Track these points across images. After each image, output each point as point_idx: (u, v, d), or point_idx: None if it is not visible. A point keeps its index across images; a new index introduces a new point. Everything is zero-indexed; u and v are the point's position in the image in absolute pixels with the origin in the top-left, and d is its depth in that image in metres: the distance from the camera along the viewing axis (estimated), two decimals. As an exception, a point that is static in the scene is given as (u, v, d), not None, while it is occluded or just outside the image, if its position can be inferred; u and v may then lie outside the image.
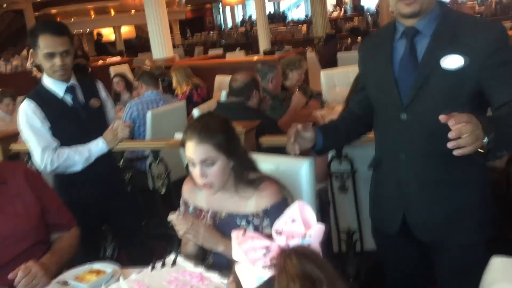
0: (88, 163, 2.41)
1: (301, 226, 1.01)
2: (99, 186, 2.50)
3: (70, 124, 2.40)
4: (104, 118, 2.54)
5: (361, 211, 2.62)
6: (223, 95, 4.67)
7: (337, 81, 5.12)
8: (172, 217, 1.72)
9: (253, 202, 1.74)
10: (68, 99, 2.39)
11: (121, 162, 2.97)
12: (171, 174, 3.02)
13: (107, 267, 1.79)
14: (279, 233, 1.00)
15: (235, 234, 0.99)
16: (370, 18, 17.21)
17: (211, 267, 1.72)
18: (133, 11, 15.71)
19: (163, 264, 1.68)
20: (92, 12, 16.02)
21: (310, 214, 1.02)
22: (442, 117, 1.29)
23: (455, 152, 1.28)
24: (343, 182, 2.55)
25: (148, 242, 3.23)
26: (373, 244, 2.73)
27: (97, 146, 2.42)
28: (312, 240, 0.97)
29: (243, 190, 1.76)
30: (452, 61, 1.54)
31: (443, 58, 1.55)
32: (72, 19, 16.34)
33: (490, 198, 1.70)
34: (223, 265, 1.74)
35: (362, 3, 22.80)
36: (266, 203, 1.71)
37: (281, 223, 1.01)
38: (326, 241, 2.68)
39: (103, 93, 2.57)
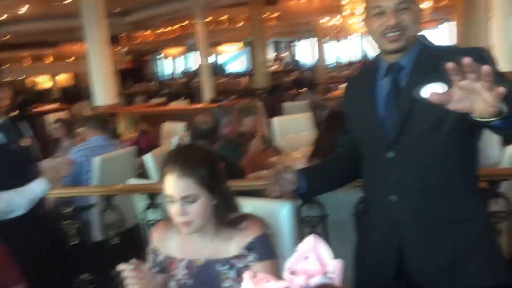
0: (31, 204, 2.18)
1: (315, 263, 0.91)
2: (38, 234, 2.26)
3: (2, 163, 2.21)
4: (34, 157, 2.40)
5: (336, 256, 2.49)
6: (174, 141, 4.51)
7: (288, 128, 5.11)
8: (123, 268, 1.47)
9: (234, 244, 1.58)
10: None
11: (68, 210, 2.70)
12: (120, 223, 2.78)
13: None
14: (293, 272, 0.90)
15: (248, 275, 0.89)
16: (308, 72, 17.82)
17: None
18: (72, 58, 15.33)
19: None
20: (27, 60, 15.47)
21: (325, 250, 0.92)
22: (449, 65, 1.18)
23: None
24: (313, 227, 2.43)
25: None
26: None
27: (40, 186, 2.21)
28: (336, 277, 0.88)
29: (223, 232, 1.59)
30: (433, 90, 1.45)
31: (424, 88, 1.48)
32: (7, 65, 15.72)
33: (494, 234, 1.64)
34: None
35: (297, 57, 23.67)
36: (249, 237, 1.56)
37: (292, 262, 0.90)
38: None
39: (30, 132, 2.45)
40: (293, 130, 5.12)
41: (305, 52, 25.15)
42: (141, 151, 4.72)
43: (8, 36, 12.47)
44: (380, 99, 1.62)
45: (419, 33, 1.61)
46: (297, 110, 7.53)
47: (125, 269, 1.45)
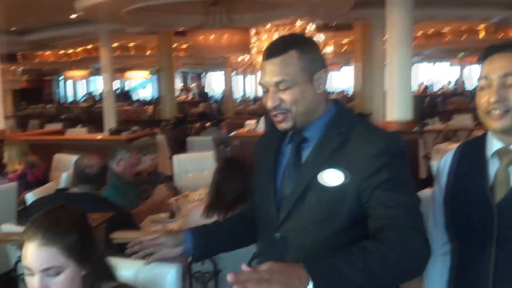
0: None
1: None
2: None
3: None
4: None
5: None
6: (63, 178, 4.17)
7: (190, 167, 4.96)
8: None
9: None
10: None
11: None
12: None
13: None
14: None
15: None
16: (215, 104, 17.85)
17: None
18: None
19: None
20: None
21: None
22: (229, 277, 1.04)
23: None
24: (204, 284, 2.29)
25: None
26: None
27: None
28: None
29: None
30: (331, 177, 1.37)
31: (321, 173, 1.38)
32: None
33: None
34: None
35: (206, 89, 23.76)
36: None
37: None
38: None
39: None
40: (194, 168, 4.97)
41: (213, 83, 25.35)
42: (28, 186, 4.32)
43: None
44: (281, 168, 1.51)
45: (331, 99, 1.50)
46: (201, 145, 7.44)
47: None
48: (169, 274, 1.64)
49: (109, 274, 1.47)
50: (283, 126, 1.43)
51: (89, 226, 1.43)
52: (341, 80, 22.40)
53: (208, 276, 2.29)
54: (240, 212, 1.81)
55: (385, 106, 6.44)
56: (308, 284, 1.11)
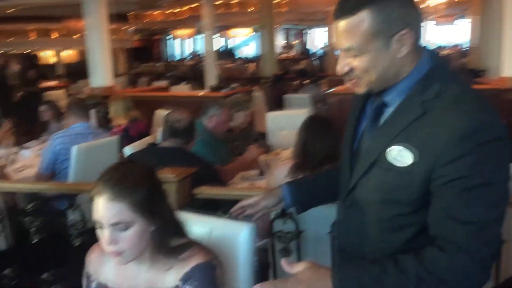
0: None
1: None
2: None
3: None
4: None
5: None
6: (160, 132, 4.31)
7: (284, 124, 4.89)
8: None
9: (172, 275, 1.39)
10: None
11: (30, 206, 2.53)
12: (89, 222, 2.60)
13: None
14: None
15: None
16: (317, 61, 17.48)
17: None
18: (77, 35, 15.13)
19: None
20: (33, 34, 15.26)
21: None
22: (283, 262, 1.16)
23: None
24: (287, 243, 2.24)
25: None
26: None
27: None
28: None
29: (162, 261, 1.40)
30: (400, 155, 1.20)
31: (391, 148, 1.21)
32: (12, 38, 15.54)
33: None
34: None
35: (308, 46, 23.33)
36: (187, 267, 1.37)
37: None
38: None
39: None
40: (289, 126, 4.88)
41: (316, 40, 24.80)
42: (130, 140, 4.54)
43: (12, 10, 12.26)
44: (361, 131, 1.38)
45: (425, 54, 1.25)
46: (299, 103, 7.31)
47: None
48: (243, 232, 1.60)
49: (179, 230, 1.46)
50: (357, 90, 1.29)
51: (158, 181, 1.41)
52: (454, 33, 20.74)
53: (290, 236, 2.23)
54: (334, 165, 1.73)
55: (501, 61, 5.85)
56: None
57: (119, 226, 1.30)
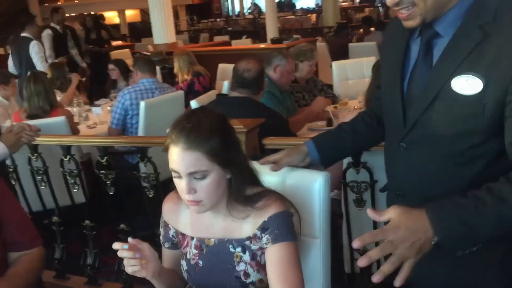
0: None
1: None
2: None
3: None
4: None
5: (379, 228, 2.24)
6: (225, 86, 4.29)
7: (350, 74, 4.74)
8: (118, 247, 1.30)
9: (249, 224, 1.37)
10: None
11: (104, 159, 2.60)
12: (161, 174, 2.64)
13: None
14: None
15: None
16: (381, 9, 16.70)
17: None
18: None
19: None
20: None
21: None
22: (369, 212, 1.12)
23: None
24: (360, 194, 2.17)
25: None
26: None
27: None
28: None
29: (238, 210, 1.38)
30: (467, 84, 1.12)
31: (456, 78, 1.13)
32: (76, 1, 15.95)
33: None
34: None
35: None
36: (264, 217, 1.34)
37: None
38: (337, 259, 2.32)
39: None
40: (355, 75, 4.72)
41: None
42: (196, 94, 4.57)
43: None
44: (409, 67, 1.28)
45: None
46: (364, 51, 7.04)
47: (120, 248, 1.29)
48: (317, 181, 1.54)
49: (253, 179, 1.43)
50: (409, 24, 1.18)
51: (230, 128, 1.37)
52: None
53: (363, 186, 2.15)
54: (364, 112, 1.69)
55: None
56: (433, 238, 1.07)
57: (196, 175, 1.28)
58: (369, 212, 1.12)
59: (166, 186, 2.87)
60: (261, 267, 1.37)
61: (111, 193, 2.67)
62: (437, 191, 1.21)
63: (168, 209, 1.51)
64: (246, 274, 1.37)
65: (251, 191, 1.40)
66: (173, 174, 1.33)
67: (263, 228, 1.34)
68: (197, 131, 1.28)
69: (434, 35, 1.20)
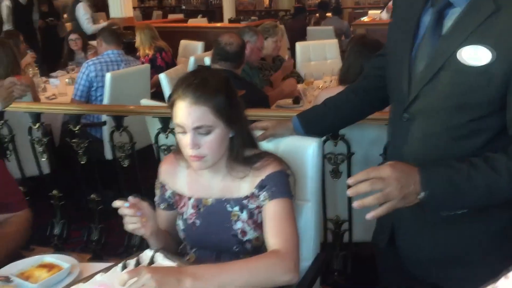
0: None
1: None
2: None
3: None
4: None
5: (353, 199, 2.34)
6: (191, 62, 4.26)
7: (312, 55, 4.82)
8: (119, 205, 1.30)
9: (247, 183, 1.41)
10: None
11: (77, 128, 2.55)
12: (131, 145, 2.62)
13: (62, 261, 1.41)
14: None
15: None
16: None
17: (193, 264, 1.39)
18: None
19: (138, 263, 1.32)
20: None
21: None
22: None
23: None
24: (337, 166, 2.26)
25: (106, 218, 2.86)
26: (363, 235, 2.50)
27: None
28: None
29: (237, 170, 1.42)
30: (474, 54, 1.13)
31: (463, 48, 1.14)
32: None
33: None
34: (209, 261, 1.41)
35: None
36: (262, 175, 1.39)
37: None
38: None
39: None
40: (317, 57, 4.82)
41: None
42: (158, 69, 4.51)
43: None
44: (418, 38, 1.27)
45: None
46: (322, 35, 7.16)
47: (121, 206, 1.30)
48: (310, 147, 1.60)
49: (252, 141, 1.48)
50: None
51: (234, 90, 1.40)
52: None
53: (340, 158, 2.24)
54: (348, 88, 1.69)
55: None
56: (420, 192, 1.12)
57: (202, 129, 1.31)
58: (368, 170, 1.13)
59: (139, 156, 2.87)
60: (258, 226, 1.42)
61: (82, 162, 2.63)
62: (442, 155, 1.22)
63: (165, 170, 1.52)
64: (243, 232, 1.42)
65: (250, 152, 1.44)
66: (177, 130, 1.35)
67: (261, 186, 1.39)
68: (204, 87, 1.31)
69: (446, 4, 1.19)
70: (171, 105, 1.34)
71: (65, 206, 2.86)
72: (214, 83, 1.34)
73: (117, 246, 2.94)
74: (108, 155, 3.45)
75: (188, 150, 1.33)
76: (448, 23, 1.20)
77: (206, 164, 1.36)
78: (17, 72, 3.43)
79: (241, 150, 1.41)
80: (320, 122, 1.67)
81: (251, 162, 1.41)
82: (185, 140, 1.33)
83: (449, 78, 1.17)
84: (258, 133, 1.62)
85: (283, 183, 1.40)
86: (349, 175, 2.29)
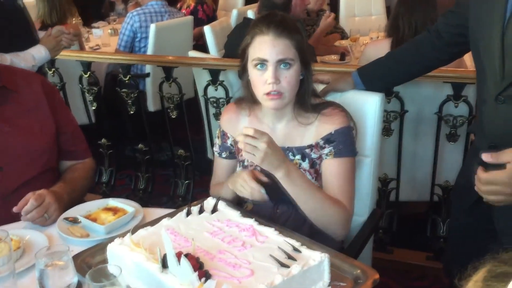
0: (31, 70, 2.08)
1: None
2: None
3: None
4: (29, 21, 2.28)
5: (402, 158, 2.32)
6: (234, 14, 4.20)
7: (357, 10, 4.68)
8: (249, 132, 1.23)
9: (312, 132, 1.42)
10: None
11: (127, 78, 2.56)
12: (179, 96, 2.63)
13: (126, 205, 1.46)
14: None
15: None
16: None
17: (248, 214, 1.41)
18: None
19: (202, 209, 1.34)
20: None
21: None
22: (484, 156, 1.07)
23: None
24: (389, 123, 2.22)
25: (153, 170, 2.91)
26: (409, 195, 2.49)
27: (40, 54, 2.11)
28: None
29: (303, 116, 1.42)
30: None
31: None
32: None
33: None
34: (265, 213, 1.42)
35: None
36: (330, 128, 1.40)
37: None
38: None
39: None
40: (361, 12, 4.68)
41: None
42: (199, 22, 4.47)
43: None
44: (508, 11, 1.19)
45: None
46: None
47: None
48: (373, 101, 1.58)
49: (316, 91, 1.50)
50: None
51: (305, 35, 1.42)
52: None
53: (393, 115, 2.20)
54: (410, 42, 1.67)
55: None
56: None
57: (284, 63, 1.33)
58: (484, 156, 1.08)
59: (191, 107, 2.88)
60: (319, 175, 1.43)
61: (131, 112, 2.66)
62: None
63: (227, 119, 1.53)
64: None
65: (314, 101, 1.44)
66: (256, 68, 1.35)
67: (329, 140, 1.39)
68: (286, 23, 1.36)
69: None
70: (247, 45, 1.38)
71: (113, 154, 2.91)
72: (292, 22, 1.39)
73: (162, 195, 3.01)
74: (151, 106, 3.49)
75: (266, 87, 1.34)
76: None
77: (283, 102, 1.37)
78: (64, 21, 3.46)
79: (308, 94, 1.42)
80: (382, 77, 1.65)
81: (319, 108, 1.42)
82: (265, 76, 1.34)
83: None
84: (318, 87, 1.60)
85: (351, 141, 1.41)
86: (401, 133, 2.26)
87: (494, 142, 1.27)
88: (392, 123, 2.22)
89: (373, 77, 1.62)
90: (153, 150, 2.92)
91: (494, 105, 1.24)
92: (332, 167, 1.40)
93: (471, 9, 1.33)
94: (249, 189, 1.33)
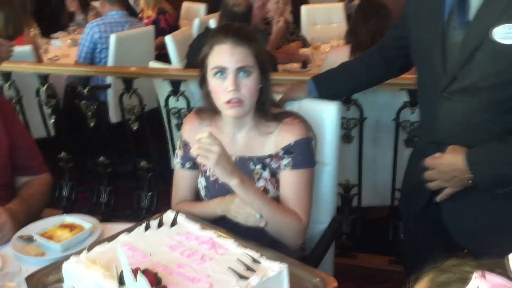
0: None
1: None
2: None
3: None
4: None
5: (362, 164, 2.36)
6: (196, 24, 4.19)
7: (318, 19, 4.74)
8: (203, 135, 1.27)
9: (273, 141, 1.43)
10: None
11: (87, 89, 2.52)
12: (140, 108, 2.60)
13: (83, 221, 1.43)
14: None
15: None
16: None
17: (209, 226, 1.40)
18: None
19: (161, 223, 1.33)
20: None
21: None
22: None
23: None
24: (349, 130, 2.25)
25: (115, 182, 2.87)
26: (371, 200, 2.53)
27: None
28: None
29: (264, 124, 1.44)
30: (509, 33, 1.12)
31: (496, 29, 1.13)
32: None
33: None
34: (230, 220, 1.42)
35: None
36: (290, 139, 1.41)
37: None
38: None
39: None
40: (322, 20, 4.74)
41: None
42: (161, 32, 4.44)
43: None
44: (445, 15, 1.24)
45: None
46: (324, -1, 7.04)
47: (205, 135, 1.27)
48: (330, 111, 1.60)
49: (274, 101, 1.51)
50: None
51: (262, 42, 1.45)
52: None
53: (353, 123, 2.24)
54: (366, 53, 1.70)
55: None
56: (469, 180, 1.23)
57: (243, 70, 1.35)
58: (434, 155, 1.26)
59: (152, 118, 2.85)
60: (280, 185, 1.44)
61: (92, 124, 2.62)
62: (477, 138, 1.24)
63: (189, 128, 1.53)
64: (266, 190, 1.43)
65: (274, 110, 1.46)
66: (215, 76, 1.36)
67: (288, 151, 1.40)
68: (244, 32, 1.38)
69: None
70: (206, 55, 1.39)
71: (73, 168, 2.85)
72: (250, 31, 1.42)
73: (125, 208, 2.97)
74: (113, 118, 3.44)
75: (226, 95, 1.35)
76: (474, 4, 1.18)
77: (244, 110, 1.38)
78: (21, 33, 3.37)
79: (266, 105, 1.44)
80: (335, 86, 1.67)
81: (280, 117, 1.44)
82: (225, 84, 1.35)
83: (487, 59, 1.17)
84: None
85: (309, 152, 1.43)
86: (361, 140, 2.30)
87: (439, 139, 1.32)
88: (352, 130, 2.26)
89: (326, 85, 1.65)
90: (115, 162, 2.88)
91: (438, 102, 1.29)
92: (289, 179, 1.41)
93: (410, 12, 1.38)
94: (245, 214, 1.34)
